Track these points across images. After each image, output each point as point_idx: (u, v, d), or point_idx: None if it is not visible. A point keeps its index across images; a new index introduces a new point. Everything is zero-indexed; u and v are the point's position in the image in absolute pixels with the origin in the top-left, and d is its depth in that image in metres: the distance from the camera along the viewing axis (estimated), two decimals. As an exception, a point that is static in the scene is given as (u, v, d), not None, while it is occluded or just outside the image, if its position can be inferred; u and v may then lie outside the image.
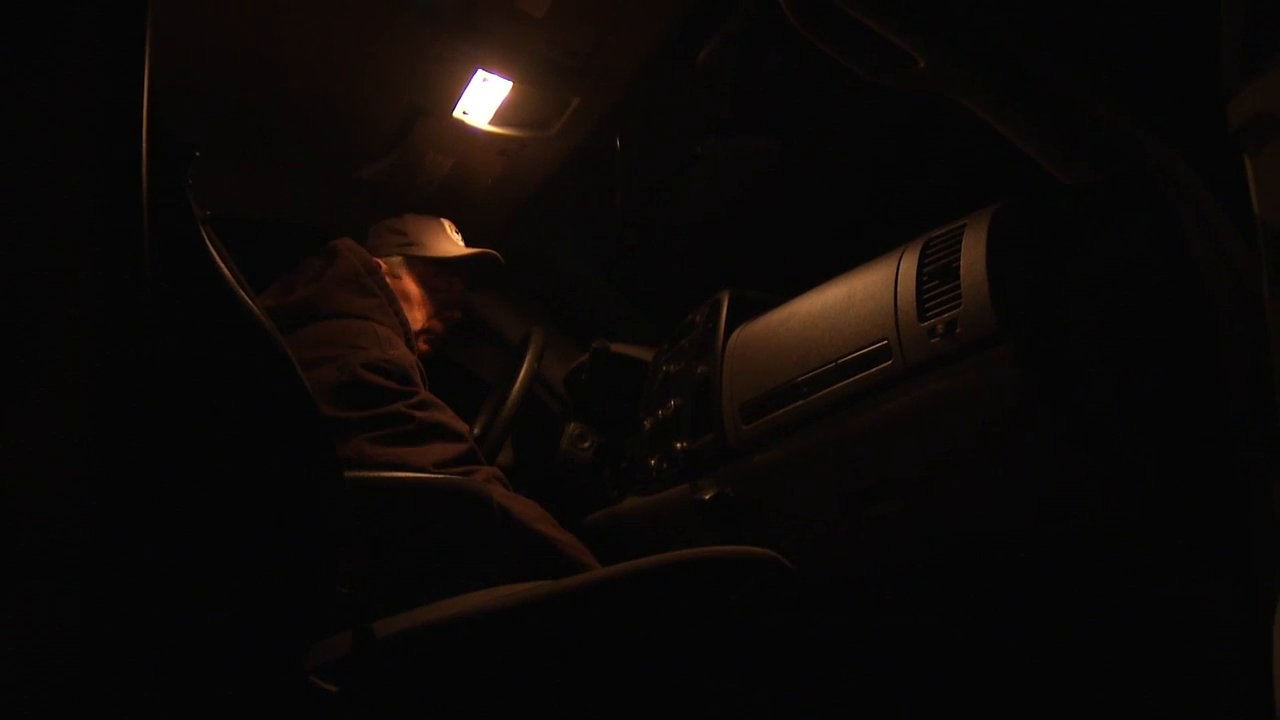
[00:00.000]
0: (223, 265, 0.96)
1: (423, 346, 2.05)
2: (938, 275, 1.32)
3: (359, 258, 1.94)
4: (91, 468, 0.80)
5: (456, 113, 2.08)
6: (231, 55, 1.91)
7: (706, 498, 1.67)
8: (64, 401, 0.79)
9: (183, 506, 0.91)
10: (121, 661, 0.83)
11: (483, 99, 2.05)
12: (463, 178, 2.32)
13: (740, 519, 1.66)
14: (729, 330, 1.74)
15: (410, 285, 2.07)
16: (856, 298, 1.44)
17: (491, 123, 2.12)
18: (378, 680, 0.99)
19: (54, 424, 0.79)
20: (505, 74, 1.97)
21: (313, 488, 1.02)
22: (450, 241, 2.16)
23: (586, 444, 2.15)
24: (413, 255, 2.09)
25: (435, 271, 2.10)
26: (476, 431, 2.12)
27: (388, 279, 1.98)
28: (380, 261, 2.01)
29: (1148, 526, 1.31)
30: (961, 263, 1.28)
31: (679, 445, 1.78)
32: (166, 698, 0.90)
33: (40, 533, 0.78)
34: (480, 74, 1.97)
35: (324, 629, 1.04)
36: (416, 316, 2.04)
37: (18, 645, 0.76)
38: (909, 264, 1.37)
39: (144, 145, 0.82)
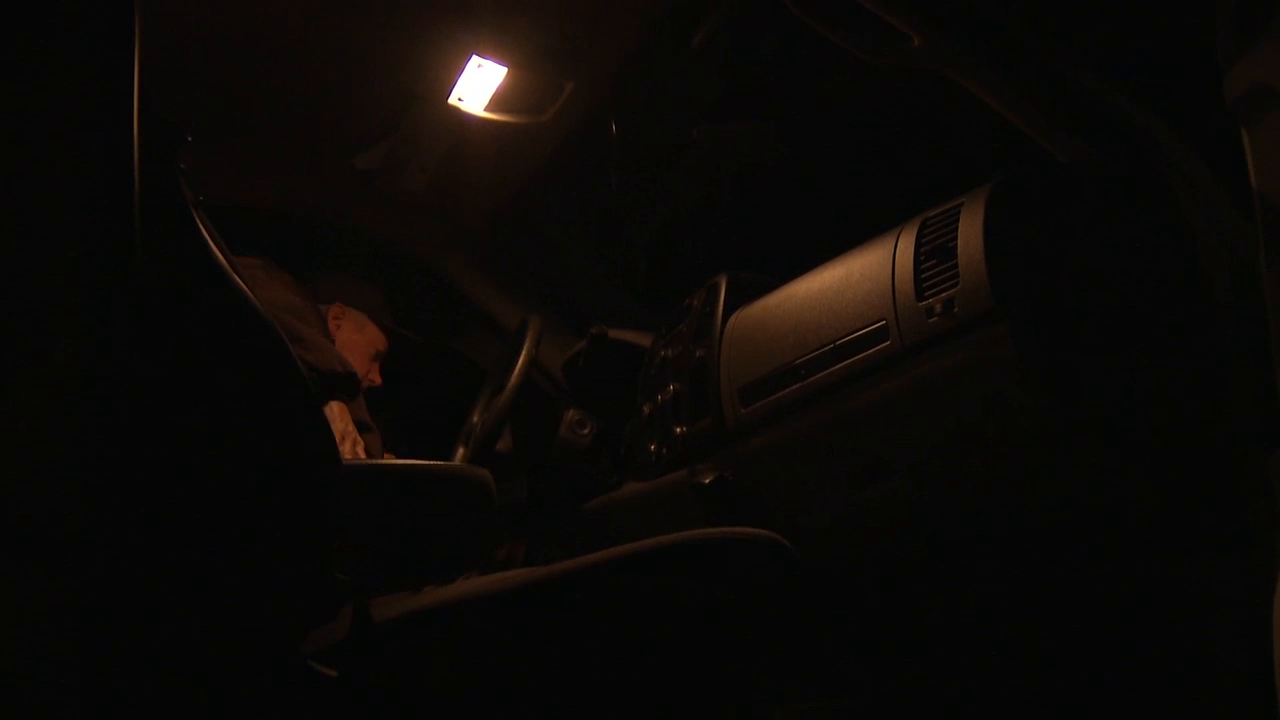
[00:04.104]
0: (216, 250, 0.96)
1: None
2: (935, 254, 1.31)
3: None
4: (85, 454, 0.80)
5: (451, 99, 2.07)
6: (221, 40, 1.89)
7: (706, 482, 1.66)
8: (57, 388, 0.79)
9: (177, 491, 0.91)
10: (115, 649, 0.83)
11: (477, 85, 2.04)
12: (457, 165, 2.31)
13: (740, 503, 1.65)
14: (727, 313, 1.74)
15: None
16: (854, 279, 1.44)
17: (486, 109, 2.10)
18: (376, 664, 0.99)
19: (47, 410, 0.79)
20: (500, 59, 1.96)
21: (308, 472, 1.01)
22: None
23: (585, 430, 2.15)
24: None
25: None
26: (475, 418, 2.12)
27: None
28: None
29: (1145, 507, 1.31)
30: (959, 241, 1.28)
31: (678, 430, 1.77)
32: (162, 684, 0.89)
33: (34, 519, 0.77)
34: (475, 60, 1.96)
35: (322, 614, 1.04)
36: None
37: (11, 631, 0.76)
38: (906, 244, 1.36)
39: (135, 129, 0.82)
